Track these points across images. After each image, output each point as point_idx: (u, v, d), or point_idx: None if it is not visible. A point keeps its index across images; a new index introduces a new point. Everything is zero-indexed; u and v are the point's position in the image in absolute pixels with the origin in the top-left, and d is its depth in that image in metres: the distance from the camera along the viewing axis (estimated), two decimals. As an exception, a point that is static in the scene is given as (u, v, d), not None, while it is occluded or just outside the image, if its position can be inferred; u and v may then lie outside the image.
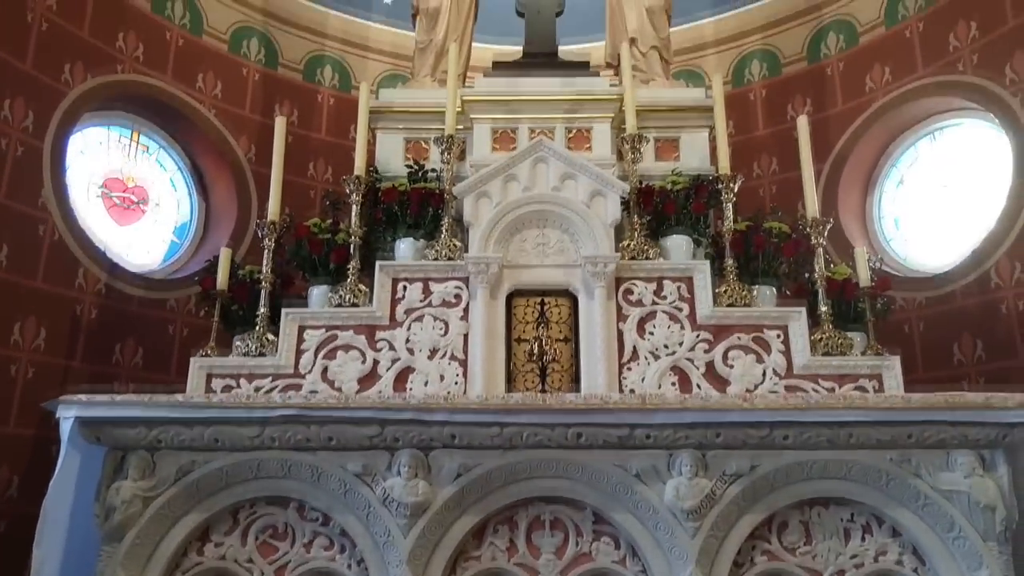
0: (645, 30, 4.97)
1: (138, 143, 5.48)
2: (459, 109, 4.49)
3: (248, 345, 3.91)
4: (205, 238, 5.69)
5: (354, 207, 4.13)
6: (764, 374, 3.81)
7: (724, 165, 4.22)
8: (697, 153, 4.70)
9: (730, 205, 4.16)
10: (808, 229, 4.09)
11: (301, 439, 2.99)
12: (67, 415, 2.90)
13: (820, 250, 4.07)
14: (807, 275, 4.15)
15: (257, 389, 3.81)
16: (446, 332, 3.88)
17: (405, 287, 3.97)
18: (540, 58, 4.94)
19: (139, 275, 5.10)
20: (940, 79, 5.32)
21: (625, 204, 4.14)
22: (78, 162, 5.15)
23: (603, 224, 3.95)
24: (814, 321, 3.98)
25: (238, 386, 3.82)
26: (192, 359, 3.85)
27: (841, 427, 2.91)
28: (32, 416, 4.30)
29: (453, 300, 3.94)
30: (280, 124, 4.28)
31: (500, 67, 4.85)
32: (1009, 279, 4.76)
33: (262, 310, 3.97)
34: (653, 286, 3.96)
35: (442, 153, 4.24)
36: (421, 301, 3.94)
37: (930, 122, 5.62)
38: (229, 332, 4.10)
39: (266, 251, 4.08)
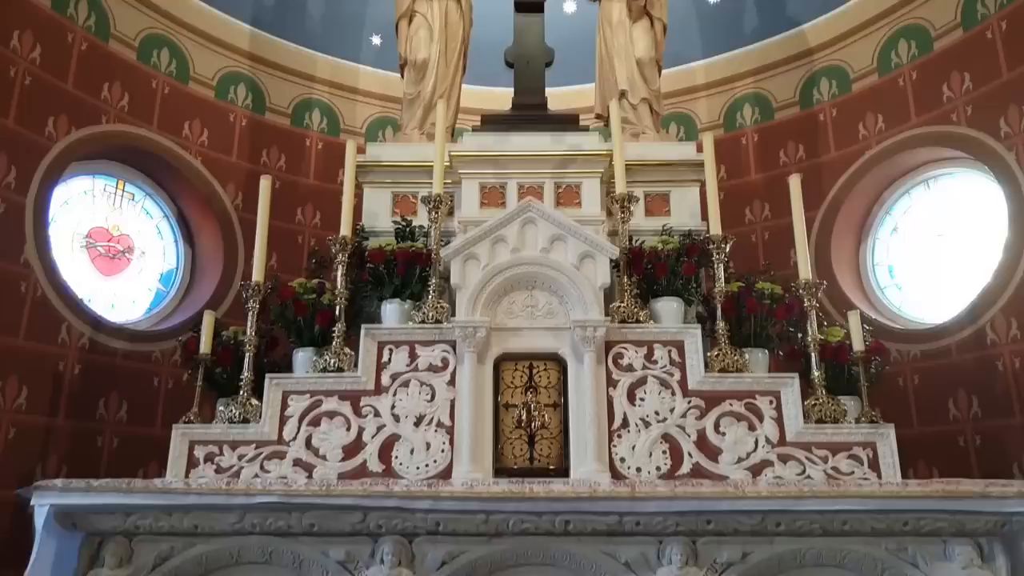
0: (635, 83, 4.94)
1: (123, 191, 5.41)
2: (448, 164, 4.45)
3: (232, 411, 3.82)
4: (192, 285, 5.63)
5: (339, 269, 4.07)
6: (756, 443, 3.74)
7: (715, 226, 4.16)
8: (687, 208, 4.66)
9: (721, 267, 4.10)
10: (801, 291, 4.03)
11: (283, 525, 2.92)
12: (42, 503, 2.82)
13: (813, 313, 4.01)
14: (800, 338, 4.10)
15: (240, 457, 3.72)
16: (432, 398, 3.81)
17: (391, 352, 3.89)
18: (529, 111, 4.89)
19: (123, 327, 5.03)
20: (934, 129, 5.29)
21: (615, 265, 4.09)
22: (62, 213, 5.09)
23: (593, 287, 3.88)
24: (807, 386, 3.92)
25: (221, 454, 3.73)
26: (174, 427, 3.76)
27: (835, 514, 2.84)
28: (11, 478, 4.21)
29: (440, 365, 3.87)
30: (265, 186, 4.20)
31: (489, 122, 4.80)
32: (1005, 336, 4.71)
33: (246, 374, 3.90)
34: (644, 351, 3.89)
35: (429, 213, 4.18)
36: (407, 366, 3.86)
37: (923, 170, 5.59)
38: (213, 394, 4.02)
39: (250, 314, 4.00)
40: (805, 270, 4.07)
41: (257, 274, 4.07)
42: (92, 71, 4.98)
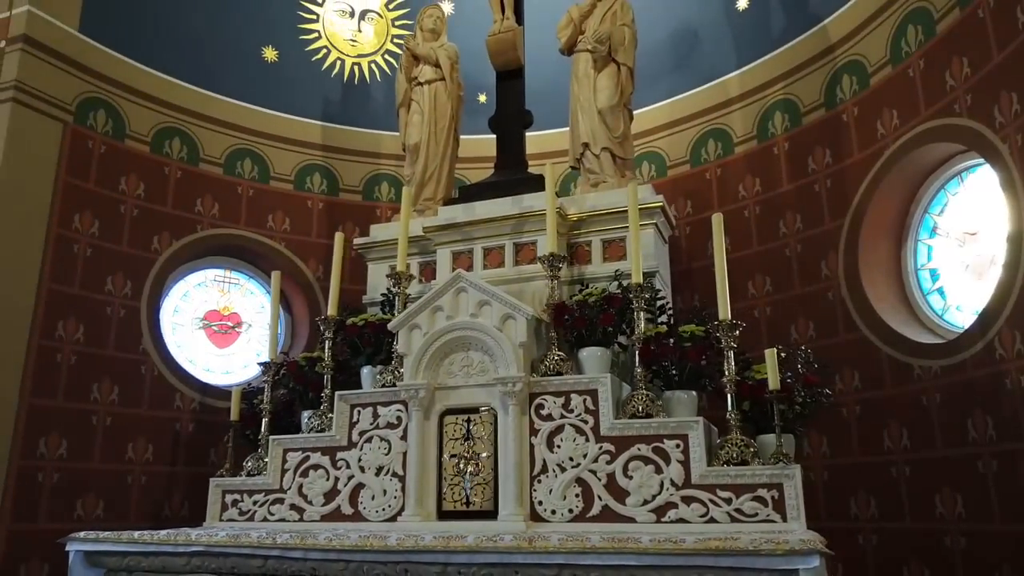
0: (597, 133, 5.20)
1: (229, 278, 6.77)
2: (428, 236, 5.13)
3: (250, 464, 4.86)
4: (292, 346, 6.84)
5: (327, 343, 4.92)
6: (662, 485, 3.94)
7: (636, 275, 4.37)
8: (642, 251, 4.83)
9: (641, 315, 4.30)
10: (719, 332, 4.11)
11: (215, 567, 3.80)
12: (72, 548, 4.01)
13: (731, 353, 4.07)
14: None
15: (255, 503, 4.74)
16: (389, 451, 4.50)
17: (359, 412, 4.66)
18: (505, 173, 5.36)
19: (227, 389, 6.34)
20: (939, 123, 4.85)
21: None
22: (184, 303, 6.55)
23: (512, 346, 4.31)
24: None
25: (242, 500, 4.78)
26: (211, 479, 4.88)
27: (617, 569, 3.06)
28: (146, 515, 5.65)
29: (395, 422, 4.55)
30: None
31: (462, 193, 5.37)
32: (1011, 350, 4.26)
33: (262, 435, 4.91)
34: (562, 400, 4.24)
35: (393, 287, 4.89)
36: (371, 424, 4.60)
37: (955, 162, 5.11)
38: (248, 449, 5.09)
39: (266, 387, 5.02)
40: (724, 310, 4.14)
41: (271, 353, 5.08)
42: (186, 191, 6.36)
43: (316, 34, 7.25)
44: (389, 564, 3.42)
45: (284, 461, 4.74)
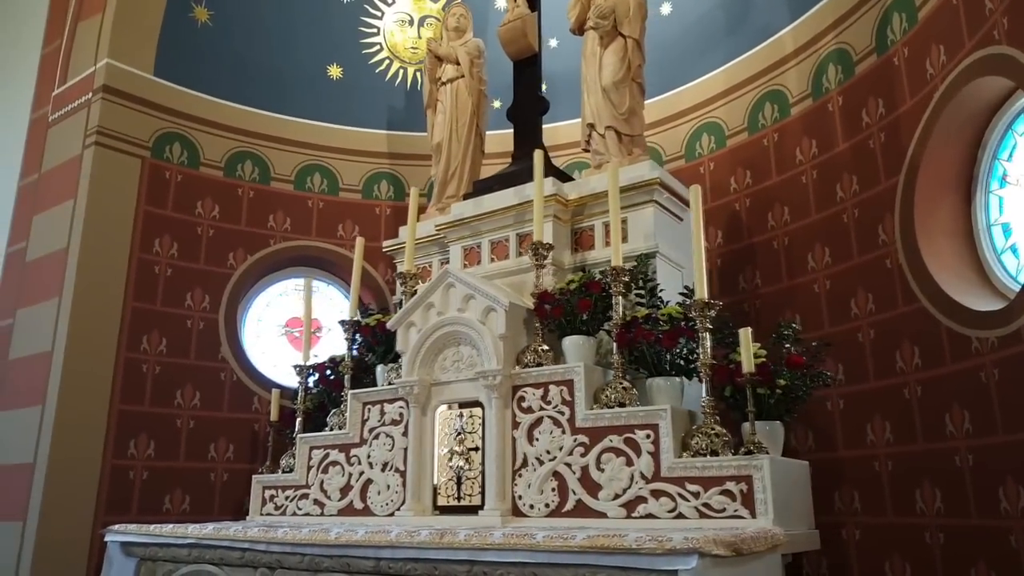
0: (601, 112, 4.98)
1: (309, 287, 7.21)
2: (442, 235, 5.20)
3: (284, 462, 5.18)
4: (369, 349, 7.17)
5: (347, 344, 5.13)
6: (632, 478, 3.73)
7: (616, 257, 4.15)
8: (642, 231, 4.60)
9: (619, 299, 4.07)
10: (693, 312, 3.80)
11: (213, 556, 4.09)
12: (110, 539, 4.50)
13: (707, 335, 3.75)
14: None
15: (287, 498, 5.05)
16: (392, 447, 4.62)
17: (369, 410, 4.81)
18: (520, 163, 5.28)
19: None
20: (981, 54, 4.14)
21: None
22: (268, 313, 7.08)
23: (493, 338, 4.26)
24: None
25: (277, 495, 5.11)
26: (253, 476, 5.26)
27: (512, 566, 2.93)
28: (228, 509, 6.19)
29: (398, 418, 4.65)
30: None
31: (474, 188, 5.34)
32: (1063, 312, 3.56)
33: (296, 434, 5.21)
34: (541, 392, 4.13)
35: (401, 287, 4.99)
36: (379, 421, 4.74)
37: (1015, 100, 4.34)
38: (290, 446, 5.42)
39: (300, 389, 5.31)
40: (700, 288, 3.83)
41: (304, 359, 5.38)
42: (259, 209, 6.87)
43: (378, 46, 7.54)
44: (334, 558, 3.51)
45: (309, 458, 5.00)
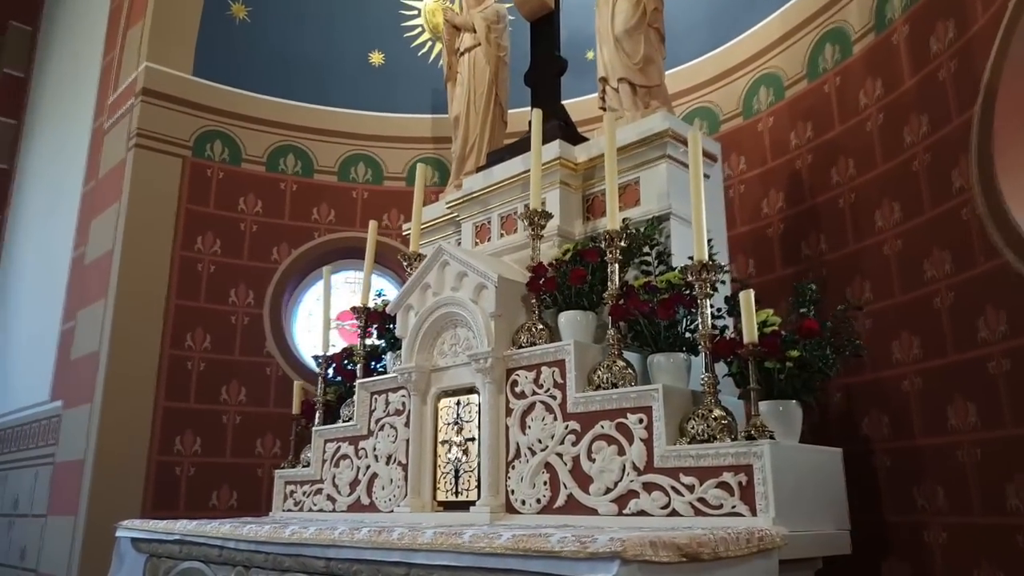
0: (613, 63, 4.47)
1: (358, 280, 7.07)
2: (454, 214, 4.87)
3: (304, 456, 4.99)
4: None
5: (360, 333, 4.88)
6: (623, 470, 3.24)
7: (612, 220, 3.66)
8: (655, 191, 4.06)
9: (615, 268, 3.57)
10: (692, 277, 3.26)
11: (200, 553, 3.93)
12: (120, 534, 4.45)
13: (706, 302, 3.20)
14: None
15: (304, 493, 4.86)
16: (395, 439, 4.32)
17: (375, 400, 4.53)
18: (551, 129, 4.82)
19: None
20: (1058, -58, 3.33)
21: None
22: (318, 308, 6.98)
23: (484, 317, 3.87)
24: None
25: (296, 491, 4.93)
26: (276, 471, 5.11)
27: (451, 571, 2.52)
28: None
29: (401, 408, 4.34)
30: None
31: (488, 159, 4.96)
32: None
33: (315, 425, 5.02)
34: (533, 375, 3.70)
35: (408, 269, 4.68)
36: (384, 412, 4.45)
37: (1118, -6, 3.48)
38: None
39: (320, 380, 5.12)
40: (700, 249, 3.29)
41: (324, 347, 5.19)
42: (302, 203, 6.79)
43: (419, 29, 7.31)
44: (292, 556, 3.23)
45: (324, 452, 4.79)
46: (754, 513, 2.78)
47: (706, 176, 4.28)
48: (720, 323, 3.36)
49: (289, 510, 4.89)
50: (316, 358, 5.25)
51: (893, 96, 4.70)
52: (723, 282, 3.44)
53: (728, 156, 5.89)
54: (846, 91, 5.10)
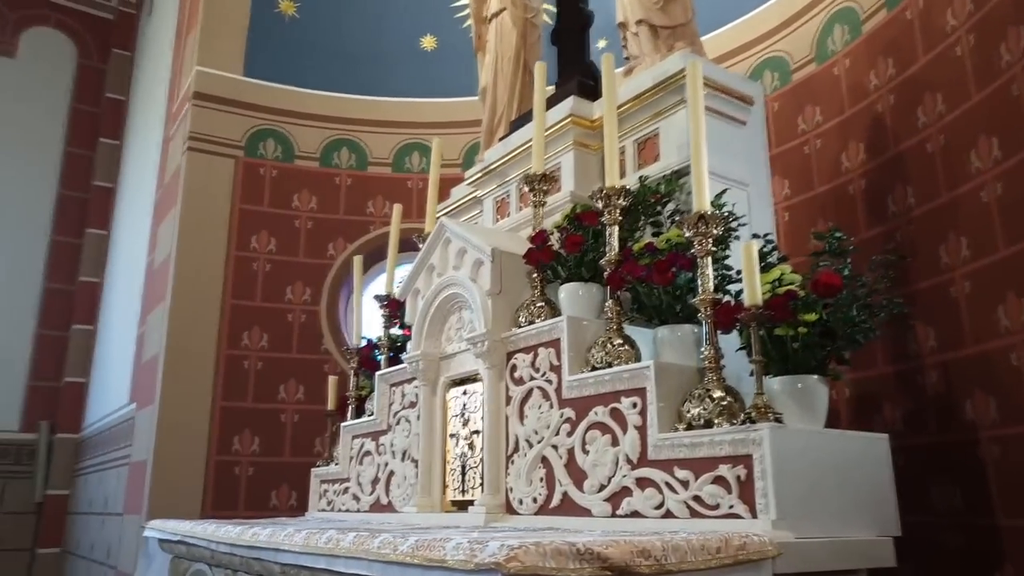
0: (632, 4, 3.92)
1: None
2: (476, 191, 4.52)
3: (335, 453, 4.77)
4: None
5: (383, 323, 4.60)
6: (616, 463, 2.74)
7: (611, 176, 3.16)
8: (675, 141, 3.50)
9: (614, 230, 3.07)
10: (689, 232, 2.71)
11: (197, 555, 3.75)
12: (147, 534, 4.38)
13: (708, 260, 2.64)
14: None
15: (335, 492, 4.63)
16: (409, 433, 3.99)
17: (394, 392, 4.23)
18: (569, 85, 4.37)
19: (410, 382, 6.37)
20: None
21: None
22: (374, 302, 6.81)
23: (481, 296, 3.47)
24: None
25: (328, 489, 4.71)
26: (312, 469, 4.91)
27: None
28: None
29: (415, 400, 4.01)
30: (358, 264, 5.06)
31: (511, 127, 4.54)
32: None
33: (346, 421, 4.78)
34: (530, 357, 3.26)
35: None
36: (400, 404, 4.14)
37: None
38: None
39: (351, 375, 4.88)
40: (700, 199, 2.74)
41: (356, 338, 4.94)
42: (356, 197, 6.64)
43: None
44: (255, 560, 2.96)
45: (351, 448, 4.54)
46: (754, 514, 2.22)
47: (741, 122, 3.70)
48: (736, 288, 2.78)
49: (323, 510, 4.68)
50: (345, 350, 5.03)
51: (985, 10, 3.88)
52: (737, 237, 2.85)
53: (803, 109, 5.19)
54: (931, 16, 4.29)
